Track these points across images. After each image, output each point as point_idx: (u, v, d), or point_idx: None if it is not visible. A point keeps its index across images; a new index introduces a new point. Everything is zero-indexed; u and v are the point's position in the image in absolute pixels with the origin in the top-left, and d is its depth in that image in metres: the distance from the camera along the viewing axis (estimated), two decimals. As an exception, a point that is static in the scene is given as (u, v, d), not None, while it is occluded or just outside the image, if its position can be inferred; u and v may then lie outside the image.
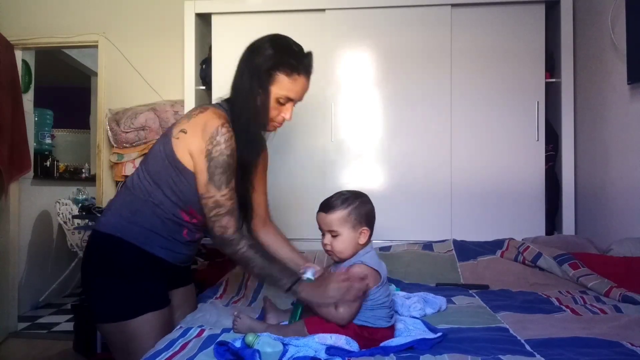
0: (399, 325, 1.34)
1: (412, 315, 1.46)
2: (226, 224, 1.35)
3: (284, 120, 1.47)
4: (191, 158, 1.38)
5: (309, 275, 1.38)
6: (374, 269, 1.27)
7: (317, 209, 1.36)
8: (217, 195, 1.35)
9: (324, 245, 1.33)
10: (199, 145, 1.35)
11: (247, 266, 1.37)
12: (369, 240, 1.33)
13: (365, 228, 1.32)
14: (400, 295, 1.64)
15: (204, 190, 1.36)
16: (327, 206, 1.33)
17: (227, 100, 1.49)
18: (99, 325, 1.47)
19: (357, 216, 1.31)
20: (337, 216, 1.31)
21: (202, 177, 1.36)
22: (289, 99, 1.44)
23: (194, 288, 1.74)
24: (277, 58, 1.40)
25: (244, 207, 1.51)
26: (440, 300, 1.61)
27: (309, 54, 1.46)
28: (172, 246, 1.48)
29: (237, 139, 1.39)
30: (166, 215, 1.43)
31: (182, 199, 1.42)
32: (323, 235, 1.34)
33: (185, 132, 1.40)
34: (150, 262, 1.45)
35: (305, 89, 1.46)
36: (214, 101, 1.55)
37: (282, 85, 1.40)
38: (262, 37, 1.47)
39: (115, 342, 1.45)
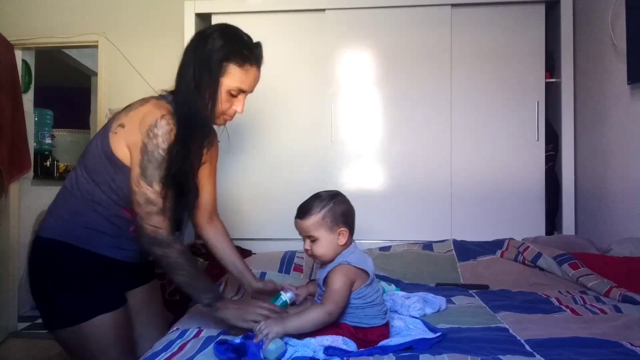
0: (399, 324, 1.34)
1: (412, 315, 1.46)
2: (158, 223, 1.27)
3: (235, 113, 1.41)
4: (129, 152, 1.32)
5: (286, 298, 1.37)
6: (360, 269, 1.26)
7: None
8: (148, 192, 1.27)
9: (305, 250, 1.31)
10: (136, 138, 1.28)
11: (174, 272, 1.29)
12: (349, 240, 1.31)
13: (343, 228, 1.29)
14: (400, 295, 1.63)
15: (134, 185, 1.28)
16: (301, 212, 1.31)
17: (172, 92, 1.41)
18: (53, 332, 1.39)
19: (333, 218, 1.28)
20: (312, 221, 1.29)
21: (135, 171, 1.28)
22: (241, 91, 1.38)
23: (158, 284, 1.69)
24: (228, 48, 1.33)
25: (185, 208, 1.44)
26: (440, 300, 1.61)
27: (259, 44, 1.41)
28: (119, 244, 1.41)
29: (181, 133, 1.30)
30: (109, 213, 1.37)
31: (121, 197, 1.35)
32: (304, 240, 1.32)
33: (124, 127, 1.33)
34: (98, 263, 1.39)
35: (256, 79, 1.41)
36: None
37: (234, 76, 1.35)
38: (210, 27, 1.42)
39: (73, 348, 1.40)
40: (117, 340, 1.39)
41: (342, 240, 1.29)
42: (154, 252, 1.29)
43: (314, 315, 1.20)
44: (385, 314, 1.29)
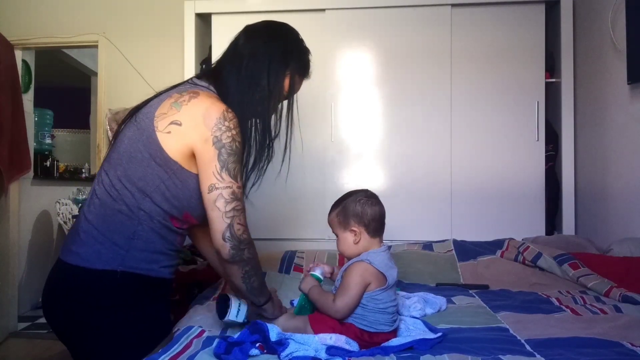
0: (400, 325, 1.34)
1: (412, 315, 1.46)
2: (244, 223, 1.18)
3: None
4: (192, 152, 1.17)
5: (317, 273, 1.39)
6: (379, 271, 1.26)
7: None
8: (234, 186, 1.15)
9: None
10: (203, 133, 1.15)
11: (255, 274, 1.21)
12: (362, 239, 1.31)
13: (354, 227, 1.31)
14: (400, 295, 1.63)
15: (216, 180, 1.14)
16: (330, 210, 1.38)
17: (212, 82, 1.30)
18: None
19: (343, 216, 1.33)
20: (330, 219, 1.37)
21: (211, 167, 1.14)
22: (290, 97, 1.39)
23: None
24: (296, 58, 1.33)
25: None
26: (440, 301, 1.61)
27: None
28: (171, 260, 1.29)
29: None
30: (160, 226, 1.22)
31: (175, 205, 1.22)
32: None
33: (180, 124, 1.17)
34: (154, 288, 1.26)
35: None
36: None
37: (292, 85, 1.35)
38: (278, 27, 1.37)
39: None
40: None
41: (355, 238, 1.31)
42: (242, 256, 1.17)
43: (324, 303, 1.25)
44: (394, 322, 1.29)
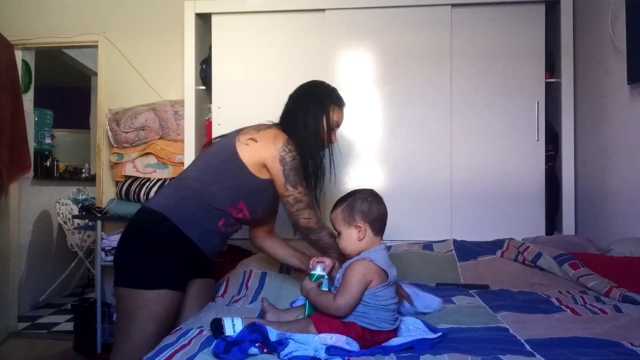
0: (400, 325, 1.34)
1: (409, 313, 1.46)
2: (309, 216, 1.63)
3: (334, 141, 1.79)
4: (262, 164, 1.61)
5: (318, 271, 1.39)
6: (381, 268, 1.27)
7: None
8: (295, 193, 1.60)
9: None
10: (272, 152, 1.59)
11: (328, 252, 1.63)
12: (369, 237, 1.34)
13: (359, 224, 1.33)
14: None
15: (283, 190, 1.61)
16: (332, 207, 1.42)
17: (281, 125, 1.74)
18: (116, 288, 1.57)
19: (349, 213, 1.35)
20: (334, 215, 1.40)
21: (280, 180, 1.60)
22: (338, 125, 1.79)
23: (213, 283, 1.84)
24: (327, 94, 1.77)
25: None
26: (431, 300, 1.60)
27: (337, 90, 1.83)
28: (208, 236, 1.64)
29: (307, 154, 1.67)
30: (212, 206, 1.61)
31: (235, 193, 1.62)
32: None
33: (256, 141, 1.62)
34: (184, 245, 1.59)
35: (343, 117, 1.83)
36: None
37: (336, 114, 1.76)
38: (309, 85, 1.83)
39: (125, 306, 1.55)
40: (165, 316, 1.54)
41: (359, 235, 1.33)
42: (310, 238, 1.67)
43: (324, 302, 1.27)
44: (396, 320, 1.30)
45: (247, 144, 1.63)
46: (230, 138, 1.68)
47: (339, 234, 1.38)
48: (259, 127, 1.70)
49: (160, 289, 1.52)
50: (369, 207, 1.35)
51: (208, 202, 1.61)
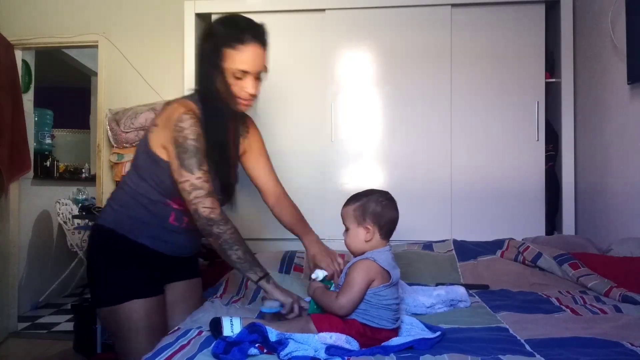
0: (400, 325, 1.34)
1: (414, 313, 1.46)
2: (210, 205, 1.38)
3: (249, 95, 1.47)
4: (165, 149, 1.44)
5: (319, 275, 1.40)
6: (383, 268, 1.27)
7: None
8: (192, 179, 1.38)
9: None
10: (167, 134, 1.42)
11: (230, 248, 1.38)
12: (376, 240, 1.33)
13: (369, 226, 1.32)
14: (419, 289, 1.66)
15: (178, 176, 1.39)
16: (346, 201, 1.39)
17: (196, 90, 1.53)
18: (97, 310, 1.57)
19: (361, 212, 1.34)
20: (345, 210, 1.37)
21: (174, 165, 1.40)
22: (244, 72, 1.43)
23: (200, 283, 1.77)
24: (220, 36, 1.44)
25: (227, 189, 1.58)
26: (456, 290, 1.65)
27: (258, 25, 1.48)
28: (160, 235, 1.53)
29: (209, 123, 1.45)
30: (151, 206, 1.50)
31: (164, 187, 1.47)
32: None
33: (157, 126, 1.47)
34: (139, 252, 1.51)
35: (257, 57, 1.45)
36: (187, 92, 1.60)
37: (231, 59, 1.42)
38: (211, 22, 1.54)
39: (110, 327, 1.54)
40: (147, 326, 1.48)
41: (367, 236, 1.32)
42: (211, 232, 1.37)
43: (327, 302, 1.28)
44: (397, 320, 1.30)
45: (152, 132, 1.48)
46: (149, 127, 1.54)
47: (347, 229, 1.37)
48: (163, 107, 1.51)
49: (131, 300, 1.47)
50: (382, 210, 1.34)
51: (145, 203, 1.50)
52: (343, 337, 1.19)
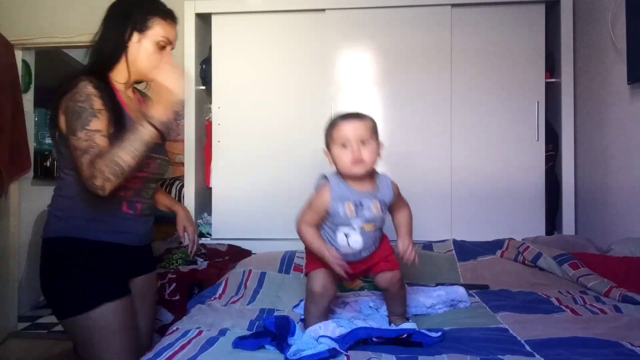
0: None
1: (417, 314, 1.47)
2: (81, 164, 1.31)
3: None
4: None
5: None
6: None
7: None
8: (72, 141, 1.33)
9: (357, 153, 1.31)
10: (63, 107, 1.38)
11: (121, 166, 1.29)
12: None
13: (382, 143, 1.37)
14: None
15: (69, 144, 1.34)
16: (357, 115, 1.36)
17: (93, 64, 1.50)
18: (61, 322, 1.46)
19: (376, 129, 1.37)
20: (364, 123, 1.34)
21: (68, 134, 1.35)
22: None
23: (156, 275, 1.75)
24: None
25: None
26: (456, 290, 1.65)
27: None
28: (115, 227, 1.47)
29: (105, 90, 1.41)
30: (95, 198, 1.36)
31: None
32: (345, 146, 1.33)
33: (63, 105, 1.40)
34: (99, 251, 1.44)
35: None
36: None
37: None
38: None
39: (78, 337, 1.46)
40: (120, 329, 1.43)
41: (381, 156, 1.36)
42: (100, 185, 1.29)
43: (410, 217, 1.47)
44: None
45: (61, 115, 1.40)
46: None
47: (363, 142, 1.32)
48: None
49: (100, 306, 1.40)
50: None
51: (92, 200, 1.39)
52: (330, 323, 1.20)
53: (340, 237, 1.34)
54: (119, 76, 1.51)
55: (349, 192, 1.33)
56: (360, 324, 1.29)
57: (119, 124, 1.40)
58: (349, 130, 1.32)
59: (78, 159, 1.31)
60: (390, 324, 1.40)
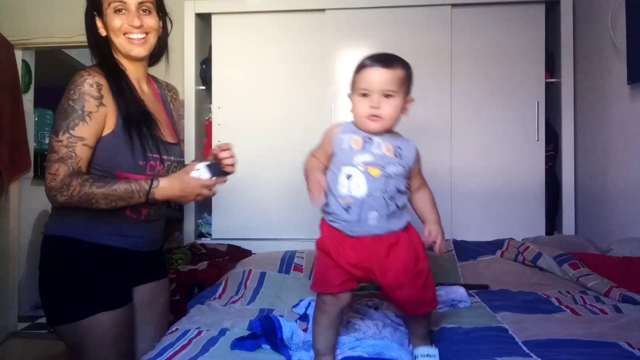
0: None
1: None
2: (56, 171, 1.26)
3: (135, 27, 1.46)
4: None
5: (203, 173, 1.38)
6: None
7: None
8: (52, 141, 1.28)
9: (375, 108, 1.13)
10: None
11: (91, 202, 1.26)
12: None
13: (410, 100, 1.16)
14: None
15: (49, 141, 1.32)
16: (386, 60, 1.14)
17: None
18: (53, 328, 1.38)
19: (409, 83, 1.15)
20: (398, 74, 1.13)
21: (51, 132, 1.33)
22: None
23: (167, 284, 1.65)
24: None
25: (165, 147, 1.47)
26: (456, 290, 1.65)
27: None
28: (119, 230, 1.38)
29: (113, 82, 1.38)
30: None
31: (103, 167, 1.34)
32: (365, 96, 1.16)
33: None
34: (101, 255, 1.37)
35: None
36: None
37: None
38: None
39: (71, 345, 1.39)
40: (114, 341, 1.35)
41: (407, 112, 1.16)
42: (58, 201, 1.27)
43: (434, 199, 1.29)
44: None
45: None
46: None
47: (386, 95, 1.12)
48: None
49: (94, 315, 1.32)
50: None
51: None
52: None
53: (342, 179, 1.16)
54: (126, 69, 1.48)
55: (361, 133, 1.18)
56: (370, 344, 1.18)
57: (129, 118, 1.35)
58: (371, 79, 1.14)
59: (51, 162, 1.26)
60: (409, 344, 1.25)
